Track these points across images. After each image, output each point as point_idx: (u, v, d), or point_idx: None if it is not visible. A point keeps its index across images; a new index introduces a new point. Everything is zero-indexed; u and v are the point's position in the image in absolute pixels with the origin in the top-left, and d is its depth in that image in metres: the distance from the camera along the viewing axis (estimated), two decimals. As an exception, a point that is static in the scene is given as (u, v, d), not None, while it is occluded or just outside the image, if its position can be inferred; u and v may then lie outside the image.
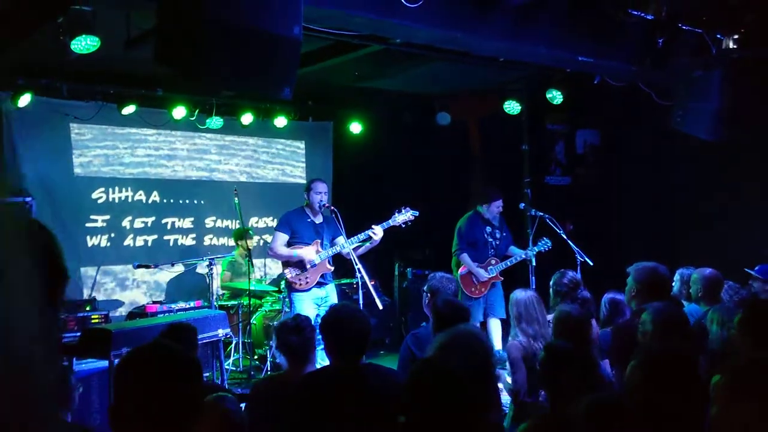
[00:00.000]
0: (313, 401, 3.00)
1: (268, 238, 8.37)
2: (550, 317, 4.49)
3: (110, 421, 1.77)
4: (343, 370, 3.10)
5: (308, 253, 6.18)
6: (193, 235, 8.84)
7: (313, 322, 3.82)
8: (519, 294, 4.49)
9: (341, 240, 6.18)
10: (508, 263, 7.19)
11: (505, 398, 4.36)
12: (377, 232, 6.17)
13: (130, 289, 8.33)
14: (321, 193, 6.28)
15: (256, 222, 9.30)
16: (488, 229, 7.31)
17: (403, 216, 6.42)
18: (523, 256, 7.14)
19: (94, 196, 8.14)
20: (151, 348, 1.92)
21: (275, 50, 3.86)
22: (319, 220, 6.36)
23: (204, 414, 1.92)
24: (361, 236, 6.19)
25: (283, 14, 3.83)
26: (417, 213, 6.48)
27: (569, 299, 4.78)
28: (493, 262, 7.20)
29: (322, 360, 6.04)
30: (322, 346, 6.17)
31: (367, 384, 3.06)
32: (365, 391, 3.01)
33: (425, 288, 4.64)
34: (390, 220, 6.37)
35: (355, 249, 6.14)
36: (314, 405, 2.98)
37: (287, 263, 6.26)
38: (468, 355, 2.75)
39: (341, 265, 6.99)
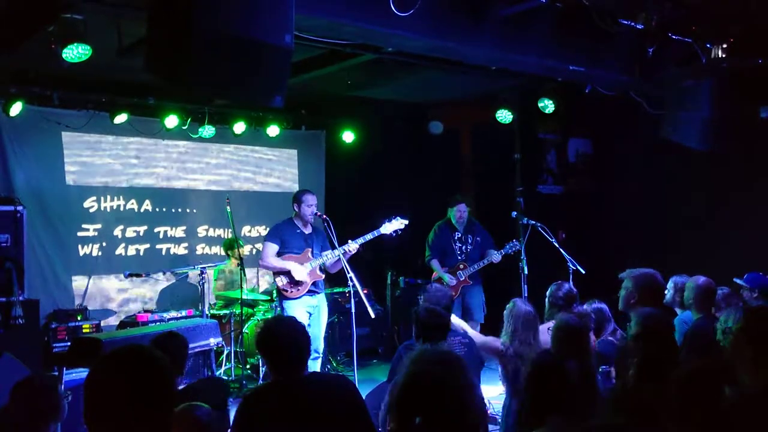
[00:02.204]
0: (257, 418, 2.92)
1: (261, 246, 8.36)
2: (544, 327, 4.48)
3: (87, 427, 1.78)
4: (285, 384, 3.02)
5: (298, 271, 6.17)
6: (186, 244, 8.81)
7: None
8: (520, 307, 4.44)
9: (328, 253, 6.24)
10: (477, 266, 7.43)
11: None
12: (351, 249, 6.17)
13: (121, 298, 8.29)
14: (312, 206, 6.32)
15: (249, 231, 9.27)
16: (456, 235, 7.59)
17: (392, 225, 6.42)
18: (491, 260, 7.36)
19: (86, 204, 8.11)
20: (121, 353, 1.91)
21: (266, 58, 3.86)
22: (308, 230, 6.39)
23: (175, 422, 1.92)
24: (339, 251, 6.17)
25: (274, 22, 3.83)
26: (407, 221, 6.47)
27: (565, 312, 4.75)
28: (461, 266, 7.46)
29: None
30: (314, 355, 6.15)
31: (311, 396, 2.99)
32: (309, 403, 2.95)
33: (421, 299, 4.62)
34: (381, 228, 6.37)
35: (339, 261, 6.14)
36: (259, 422, 2.91)
37: (279, 272, 6.26)
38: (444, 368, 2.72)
39: (334, 273, 6.98)
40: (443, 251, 7.56)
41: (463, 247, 7.58)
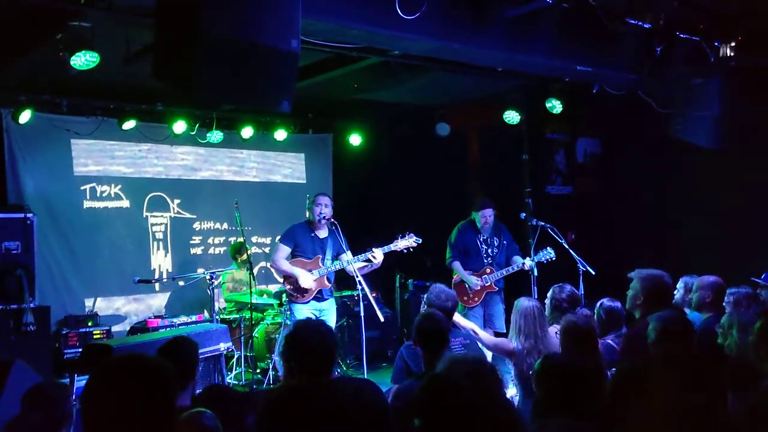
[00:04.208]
0: (282, 420, 2.89)
1: (268, 251, 8.37)
2: (550, 330, 4.46)
3: None
4: (312, 388, 2.99)
5: (304, 278, 6.20)
6: (195, 250, 8.83)
7: None
8: (523, 303, 4.43)
9: (345, 257, 6.23)
10: (505, 272, 6.96)
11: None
12: (377, 256, 6.21)
13: (131, 303, 8.31)
14: (320, 206, 6.32)
15: (257, 239, 9.26)
16: (481, 237, 7.13)
17: (406, 241, 6.44)
18: (521, 266, 6.88)
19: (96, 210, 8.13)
20: (119, 362, 1.91)
21: (273, 63, 3.86)
22: (323, 234, 6.39)
23: (182, 428, 1.91)
24: (362, 257, 6.21)
25: (280, 28, 3.83)
26: (420, 240, 6.47)
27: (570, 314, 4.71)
28: (488, 270, 6.99)
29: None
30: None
31: (339, 400, 2.96)
32: (336, 407, 2.92)
33: (424, 299, 4.60)
34: (391, 245, 6.40)
35: (359, 268, 6.16)
36: (284, 424, 2.88)
37: (287, 276, 6.30)
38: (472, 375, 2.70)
39: (343, 277, 6.98)
40: (467, 252, 7.05)
41: (489, 250, 7.08)
